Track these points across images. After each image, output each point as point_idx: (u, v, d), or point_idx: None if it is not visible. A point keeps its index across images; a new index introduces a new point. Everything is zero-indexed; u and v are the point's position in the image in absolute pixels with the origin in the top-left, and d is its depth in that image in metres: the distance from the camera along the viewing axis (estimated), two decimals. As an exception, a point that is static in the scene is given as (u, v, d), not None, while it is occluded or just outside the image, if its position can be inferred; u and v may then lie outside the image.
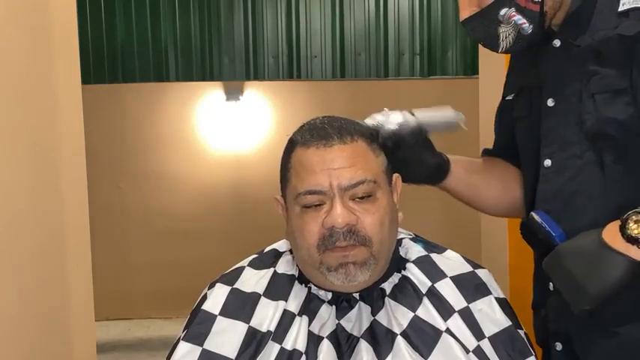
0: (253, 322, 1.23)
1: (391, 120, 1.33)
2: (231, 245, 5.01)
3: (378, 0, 5.54)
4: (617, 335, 1.24)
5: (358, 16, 5.55)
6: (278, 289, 1.26)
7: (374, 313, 1.22)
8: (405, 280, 1.26)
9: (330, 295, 1.24)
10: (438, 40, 5.59)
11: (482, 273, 1.29)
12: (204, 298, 1.29)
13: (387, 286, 1.25)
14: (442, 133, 1.41)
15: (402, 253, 1.30)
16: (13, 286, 1.80)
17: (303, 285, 1.26)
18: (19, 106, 1.86)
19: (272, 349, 1.20)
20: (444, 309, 1.22)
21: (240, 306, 1.25)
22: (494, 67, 2.41)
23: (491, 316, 1.24)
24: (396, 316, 1.21)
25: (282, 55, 5.55)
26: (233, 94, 5.74)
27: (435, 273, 1.27)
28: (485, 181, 1.48)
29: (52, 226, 2.09)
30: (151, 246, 5.66)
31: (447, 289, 1.25)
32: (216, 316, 1.24)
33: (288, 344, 1.20)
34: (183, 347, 1.23)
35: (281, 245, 1.35)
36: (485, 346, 1.20)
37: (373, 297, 1.24)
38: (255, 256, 1.35)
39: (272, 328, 1.22)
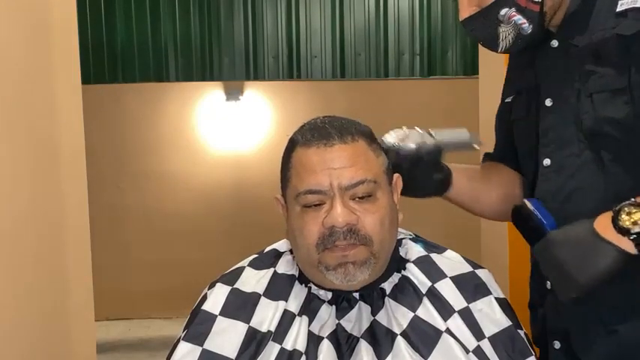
0: (253, 322, 1.23)
1: (410, 140, 1.34)
2: (231, 245, 5.02)
3: (378, 0, 5.55)
4: (615, 333, 1.25)
5: (358, 16, 5.55)
6: (278, 289, 1.26)
7: (374, 313, 1.22)
8: (405, 280, 1.26)
9: (330, 295, 1.24)
10: (438, 40, 5.59)
11: (482, 273, 1.29)
12: (205, 298, 1.29)
13: (387, 286, 1.25)
14: (454, 152, 1.42)
15: (402, 253, 1.30)
16: (13, 285, 1.80)
17: (303, 285, 1.26)
18: (19, 106, 1.86)
19: (272, 350, 1.20)
20: (444, 309, 1.22)
21: (241, 306, 1.25)
22: (494, 67, 2.41)
23: (491, 316, 1.24)
24: (396, 316, 1.21)
25: (282, 55, 5.55)
26: (233, 94, 5.74)
27: (435, 273, 1.27)
28: (486, 188, 1.49)
29: (52, 226, 2.09)
30: (151, 246, 5.66)
31: (447, 289, 1.25)
32: (216, 316, 1.24)
33: (288, 344, 1.20)
34: (184, 347, 1.23)
35: (281, 245, 1.35)
36: (485, 346, 1.20)
37: (373, 297, 1.24)
38: (256, 256, 1.35)
39: (272, 328, 1.22)
